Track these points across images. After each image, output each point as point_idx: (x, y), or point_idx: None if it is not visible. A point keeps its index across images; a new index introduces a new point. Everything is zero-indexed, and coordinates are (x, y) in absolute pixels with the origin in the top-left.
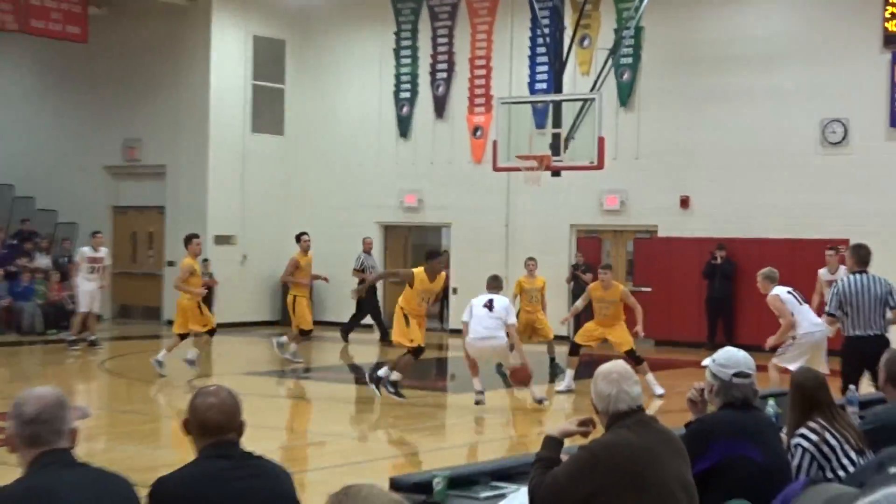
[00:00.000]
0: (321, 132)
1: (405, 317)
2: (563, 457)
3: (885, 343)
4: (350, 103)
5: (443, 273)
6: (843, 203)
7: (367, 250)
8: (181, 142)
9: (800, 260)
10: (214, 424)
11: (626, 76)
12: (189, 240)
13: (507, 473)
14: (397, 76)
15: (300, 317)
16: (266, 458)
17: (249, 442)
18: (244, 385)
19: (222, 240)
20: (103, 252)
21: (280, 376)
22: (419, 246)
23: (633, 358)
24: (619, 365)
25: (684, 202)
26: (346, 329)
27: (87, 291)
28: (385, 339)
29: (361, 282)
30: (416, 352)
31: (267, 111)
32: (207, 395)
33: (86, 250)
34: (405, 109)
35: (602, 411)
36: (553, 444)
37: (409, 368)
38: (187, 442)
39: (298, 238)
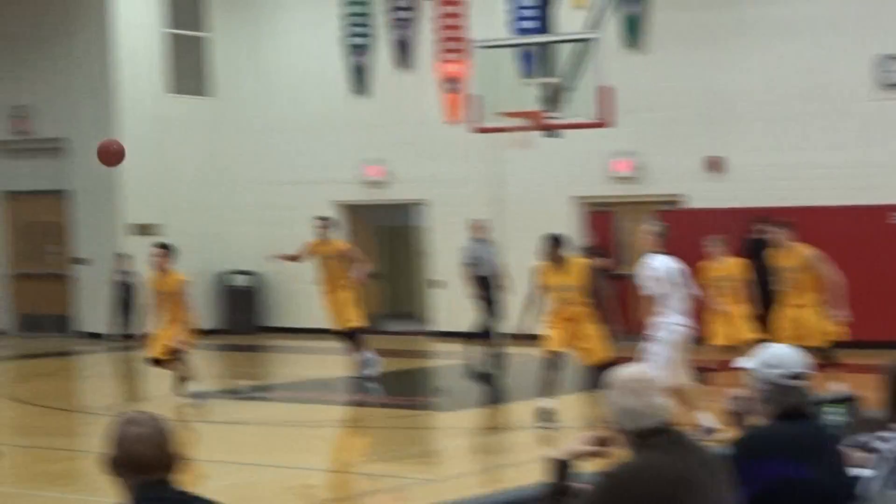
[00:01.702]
0: (257, 90)
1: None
2: (581, 486)
3: None
4: (292, 52)
5: (578, 260)
6: None
7: (478, 237)
8: (82, 108)
9: (857, 231)
10: (144, 460)
11: (633, 9)
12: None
13: None
14: (349, 17)
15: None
16: (208, 499)
17: (196, 479)
18: (184, 409)
19: (143, 230)
20: None
21: (232, 397)
22: (388, 230)
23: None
24: (639, 371)
25: (714, 164)
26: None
27: None
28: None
29: (481, 281)
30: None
31: (186, 66)
32: (133, 424)
33: None
34: (361, 58)
35: (623, 429)
36: (561, 468)
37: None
38: (112, 483)
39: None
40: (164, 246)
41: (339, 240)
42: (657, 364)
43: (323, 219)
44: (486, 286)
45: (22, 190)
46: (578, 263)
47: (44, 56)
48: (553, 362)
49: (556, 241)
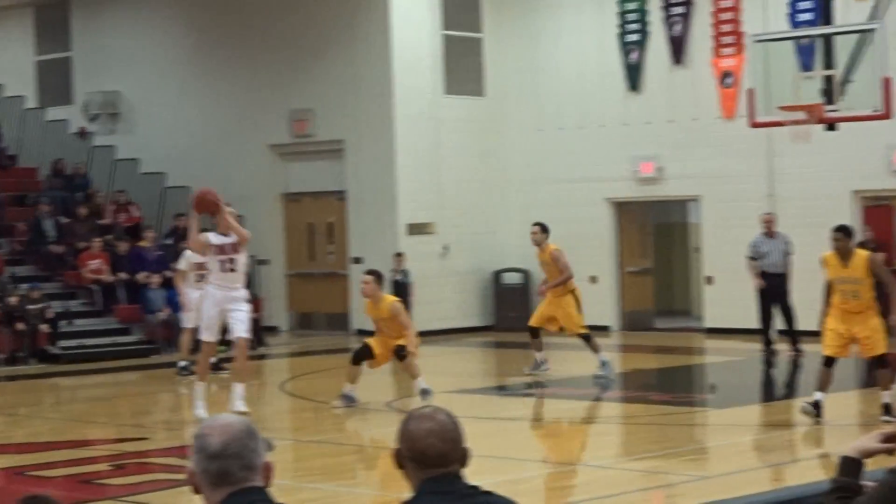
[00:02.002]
0: (530, 89)
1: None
2: (868, 484)
3: None
4: (564, 51)
5: (862, 252)
6: None
7: (768, 232)
8: (360, 110)
9: None
10: (435, 454)
11: None
12: None
13: None
14: (622, 14)
15: None
16: (496, 493)
17: (471, 474)
18: (456, 405)
19: (417, 229)
20: None
21: (500, 394)
22: (662, 226)
23: None
24: None
25: None
26: (792, 336)
27: (195, 303)
28: (794, 343)
29: (766, 276)
30: (829, 362)
31: (462, 67)
32: (423, 419)
33: (191, 254)
34: (634, 55)
35: None
36: (851, 466)
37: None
38: (393, 477)
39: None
40: (372, 273)
41: (551, 245)
42: None
43: (538, 225)
44: (771, 281)
45: (301, 191)
46: (862, 256)
47: (324, 60)
48: (829, 359)
49: (846, 233)
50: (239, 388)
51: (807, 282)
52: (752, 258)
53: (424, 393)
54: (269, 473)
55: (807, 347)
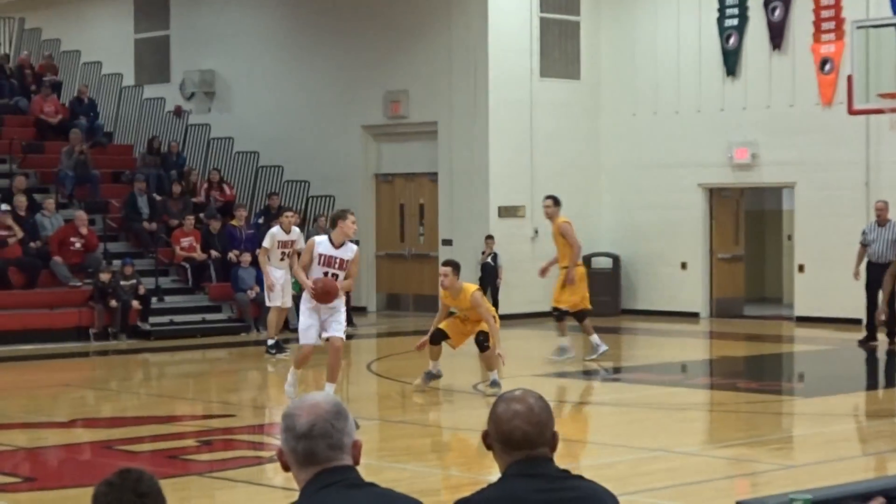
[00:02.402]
0: (626, 74)
1: None
2: None
3: None
4: (662, 36)
5: None
6: None
7: (879, 220)
8: (455, 92)
9: None
10: (520, 437)
11: None
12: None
13: (888, 495)
14: None
15: None
16: (585, 478)
17: (557, 458)
18: (541, 389)
19: (508, 212)
20: (295, 234)
21: (586, 378)
22: (755, 213)
23: None
24: None
25: None
26: (891, 328)
27: (279, 282)
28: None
29: (870, 265)
30: None
31: (558, 50)
32: (512, 401)
33: (276, 232)
34: (732, 40)
35: None
36: None
37: None
38: (478, 458)
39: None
40: (449, 263)
41: (562, 217)
42: None
43: (550, 198)
44: (874, 271)
45: (393, 172)
46: None
47: (420, 41)
48: None
49: None
50: (328, 389)
51: None
52: (863, 244)
53: (494, 384)
54: (357, 452)
55: None
